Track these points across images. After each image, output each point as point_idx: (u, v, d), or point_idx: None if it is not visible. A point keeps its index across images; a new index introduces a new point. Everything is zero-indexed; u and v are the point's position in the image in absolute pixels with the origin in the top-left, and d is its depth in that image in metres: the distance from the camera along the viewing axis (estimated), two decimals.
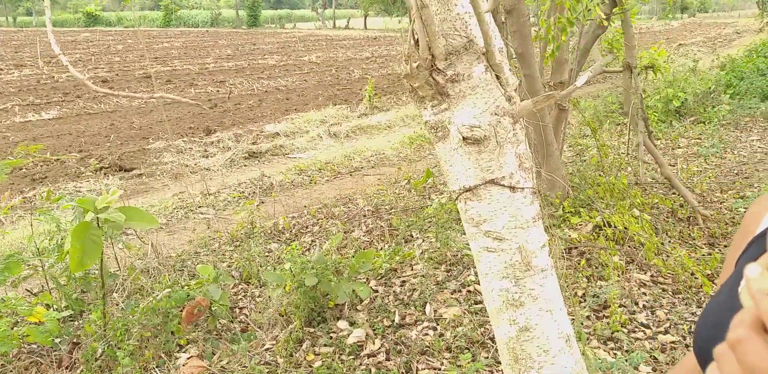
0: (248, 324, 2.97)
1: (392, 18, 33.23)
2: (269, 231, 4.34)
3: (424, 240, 3.73)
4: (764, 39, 12.50)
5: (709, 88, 8.71)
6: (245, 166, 6.88)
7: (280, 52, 21.44)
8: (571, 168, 4.72)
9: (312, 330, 2.82)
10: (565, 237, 3.31)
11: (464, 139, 1.32)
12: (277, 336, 2.81)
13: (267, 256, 3.82)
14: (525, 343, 1.30)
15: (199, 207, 5.19)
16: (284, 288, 2.89)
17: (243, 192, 5.64)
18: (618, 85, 9.68)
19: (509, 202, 1.34)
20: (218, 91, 12.67)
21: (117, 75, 15.14)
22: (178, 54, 21.05)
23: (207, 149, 7.46)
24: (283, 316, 2.93)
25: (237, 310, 3.17)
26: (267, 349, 2.73)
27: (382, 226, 4.16)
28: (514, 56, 3.60)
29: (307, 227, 4.49)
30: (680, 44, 21.27)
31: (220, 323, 2.94)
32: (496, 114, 1.32)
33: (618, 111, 7.63)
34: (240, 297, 3.37)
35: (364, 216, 4.54)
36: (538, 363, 1.29)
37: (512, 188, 1.34)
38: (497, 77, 1.34)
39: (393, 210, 4.55)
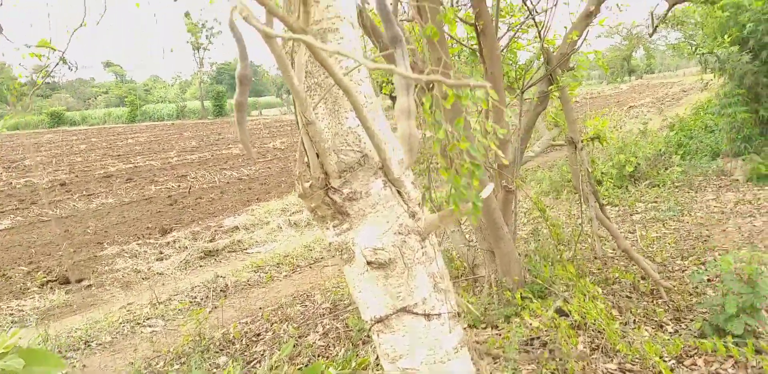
0: None
1: None
2: (218, 343, 4.04)
3: None
4: (709, 96, 13.05)
5: (660, 150, 8.93)
6: (201, 266, 6.60)
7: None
8: (527, 246, 4.61)
9: None
10: (526, 327, 3.12)
11: (369, 263, 1.19)
12: None
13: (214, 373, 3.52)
14: None
15: (148, 318, 4.87)
16: None
17: (195, 297, 5.35)
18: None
19: (425, 333, 1.18)
20: (179, 186, 12.53)
21: (77, 176, 14.95)
22: (141, 149, 21.08)
23: (162, 251, 7.18)
24: None
25: None
26: None
27: (338, 327, 3.91)
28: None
29: (259, 334, 4.20)
30: (630, 106, 22.23)
31: None
32: (400, 233, 1.19)
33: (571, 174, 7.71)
34: None
35: (321, 315, 4.29)
36: None
37: (427, 316, 1.19)
38: (398, 192, 1.23)
39: (351, 306, 4.32)
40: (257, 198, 10.48)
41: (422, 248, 1.21)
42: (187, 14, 43.66)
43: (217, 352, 3.89)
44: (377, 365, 3.13)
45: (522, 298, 3.36)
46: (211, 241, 7.47)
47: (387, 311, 1.17)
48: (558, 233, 4.09)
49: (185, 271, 6.43)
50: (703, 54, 9.04)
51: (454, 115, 2.63)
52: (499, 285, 3.49)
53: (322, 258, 6.45)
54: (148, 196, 11.43)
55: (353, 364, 3.21)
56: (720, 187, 7.28)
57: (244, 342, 4.07)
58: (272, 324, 4.39)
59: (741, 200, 6.44)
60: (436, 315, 1.19)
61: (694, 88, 25.47)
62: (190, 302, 5.22)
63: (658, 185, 7.61)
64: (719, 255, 4.70)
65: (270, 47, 0.96)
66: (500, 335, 3.24)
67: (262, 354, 3.81)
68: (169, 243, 7.48)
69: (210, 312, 4.90)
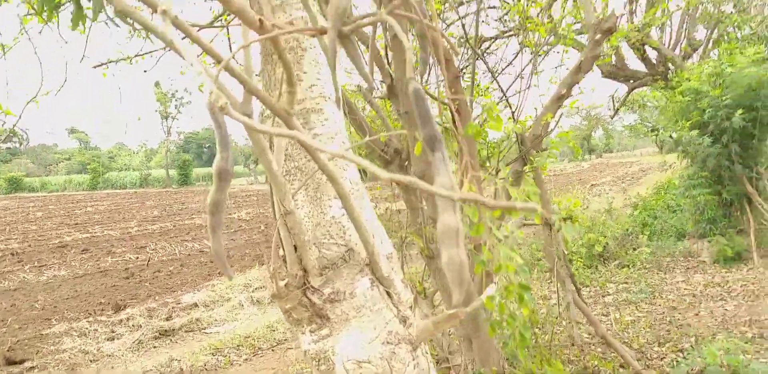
0: None
1: None
2: None
3: None
4: (669, 176, 13.44)
5: (627, 229, 9.00)
6: (155, 347, 6.15)
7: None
8: (503, 332, 4.41)
9: None
10: None
11: None
12: None
13: None
14: None
15: None
16: None
17: None
18: (538, 232, 9.89)
19: None
20: (137, 257, 12.04)
21: (29, 246, 14.30)
22: (101, 218, 20.48)
23: (114, 329, 6.71)
24: None
25: None
26: None
27: None
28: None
29: None
30: (593, 184, 22.81)
31: None
32: (389, 342, 1.04)
33: (543, 257, 7.63)
34: None
35: None
36: None
37: None
38: (387, 293, 1.08)
39: None
40: (219, 273, 10.08)
41: (414, 359, 1.05)
42: (157, 84, 44.26)
43: None
44: None
45: None
46: (167, 319, 7.03)
47: None
48: (535, 318, 3.92)
49: (138, 353, 5.97)
50: (658, 135, 9.40)
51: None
52: None
53: (285, 339, 6.09)
54: (103, 269, 10.91)
55: None
56: (688, 268, 7.28)
57: None
58: None
59: (710, 282, 6.42)
60: None
61: (653, 168, 26.47)
62: None
63: (628, 265, 7.58)
64: (695, 341, 4.59)
65: (247, 131, 0.85)
66: None
67: None
68: (122, 320, 7.01)
69: None
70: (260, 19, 0.62)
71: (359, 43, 3.12)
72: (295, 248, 1.02)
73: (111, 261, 11.66)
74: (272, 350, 5.75)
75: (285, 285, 1.02)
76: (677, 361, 4.09)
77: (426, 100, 0.44)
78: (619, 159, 46.26)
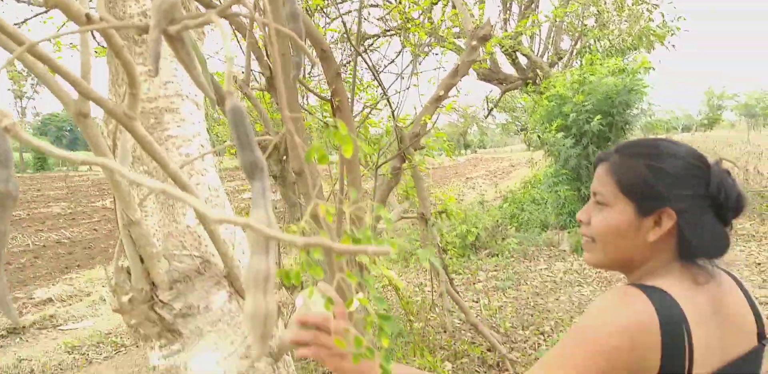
0: None
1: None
2: None
3: None
4: (536, 172, 14.40)
5: (497, 221, 9.51)
6: (1, 347, 5.58)
7: (69, 198, 19.63)
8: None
9: None
10: None
11: None
12: None
13: None
14: None
15: None
16: None
17: None
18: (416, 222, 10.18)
19: None
20: None
21: None
22: None
23: None
24: None
25: None
26: None
27: None
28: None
29: None
30: (467, 178, 23.86)
31: None
32: (247, 357, 0.98)
33: (421, 247, 7.89)
34: None
35: None
36: None
37: None
38: None
39: None
40: (78, 265, 9.35)
41: (274, 372, 1.00)
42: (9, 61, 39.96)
43: None
44: None
45: None
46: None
47: None
48: (410, 308, 4.03)
49: None
50: (526, 134, 10.03)
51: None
52: None
53: None
54: None
55: None
56: (550, 256, 7.84)
57: None
58: None
59: (569, 270, 6.95)
60: None
61: (521, 163, 28.22)
62: None
63: (497, 254, 8.02)
64: (555, 324, 4.95)
65: (82, 127, 0.75)
66: None
67: None
68: None
69: None
70: (87, 14, 0.54)
71: (236, 32, 2.98)
72: (142, 260, 0.93)
73: None
74: (136, 346, 5.42)
75: (129, 300, 0.93)
76: (539, 344, 4.39)
77: (246, 119, 0.39)
78: (491, 154, 48.83)
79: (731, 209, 0.99)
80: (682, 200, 0.96)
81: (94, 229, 12.90)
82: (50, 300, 7.19)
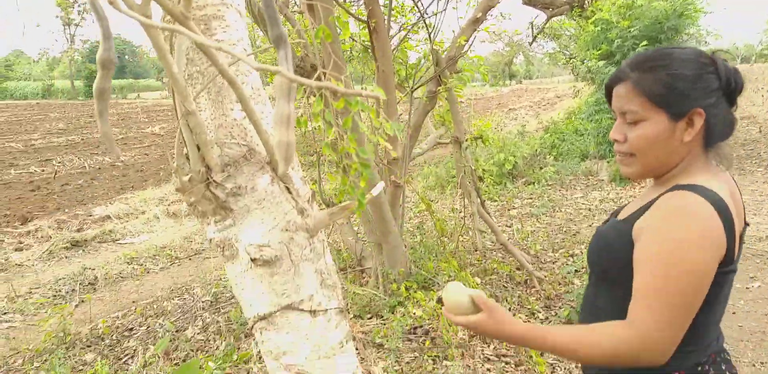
0: None
1: None
2: (85, 339, 3.77)
3: None
4: (579, 102, 14.11)
5: (536, 150, 9.51)
6: (66, 257, 6.11)
7: (121, 124, 20.29)
8: (414, 238, 4.73)
9: None
10: (409, 317, 3.20)
11: (253, 260, 1.14)
12: None
13: (80, 371, 3.27)
14: None
15: (4, 313, 4.43)
16: None
17: (60, 290, 4.94)
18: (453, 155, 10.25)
19: (310, 329, 1.17)
20: (43, 170, 11.50)
21: None
22: (0, 130, 19.09)
23: (22, 240, 6.57)
24: None
25: None
26: None
27: (218, 321, 3.78)
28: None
29: (132, 329, 3.97)
30: (510, 109, 23.43)
31: None
32: (287, 230, 1.16)
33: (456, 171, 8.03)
34: None
35: (201, 309, 4.14)
36: None
37: (313, 312, 1.17)
38: (287, 189, 1.19)
39: (234, 300, 4.20)
40: (132, 187, 9.89)
41: (310, 245, 1.19)
42: None
43: (83, 349, 3.63)
44: (260, 358, 3.07)
45: (406, 289, 3.44)
46: (78, 231, 6.94)
47: (271, 308, 1.15)
48: (442, 227, 4.23)
49: (48, 263, 5.92)
50: (574, 64, 9.75)
51: (344, 114, 2.62)
52: (386, 277, 3.54)
53: (203, 250, 6.21)
54: (6, 181, 10.39)
55: (234, 358, 3.12)
56: (587, 185, 7.89)
57: (114, 337, 3.83)
58: (146, 318, 4.16)
59: (605, 198, 7.02)
60: (322, 311, 1.18)
61: (567, 95, 27.41)
62: (54, 295, 4.82)
63: (534, 183, 8.11)
64: (585, 247, 5.11)
65: (146, 30, 0.89)
66: (385, 325, 3.29)
67: (135, 350, 3.60)
68: (30, 232, 6.85)
69: (76, 306, 4.56)
70: None
71: None
72: (198, 147, 1.10)
73: (14, 174, 11.10)
74: (189, 259, 5.87)
75: (189, 180, 1.11)
76: (567, 264, 4.58)
77: (274, 2, 0.52)
78: (537, 85, 47.29)
79: (739, 91, 1.11)
80: (705, 96, 1.08)
81: (145, 154, 13.45)
82: (108, 217, 7.72)
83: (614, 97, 1.17)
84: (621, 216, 1.21)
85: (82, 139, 15.97)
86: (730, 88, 1.10)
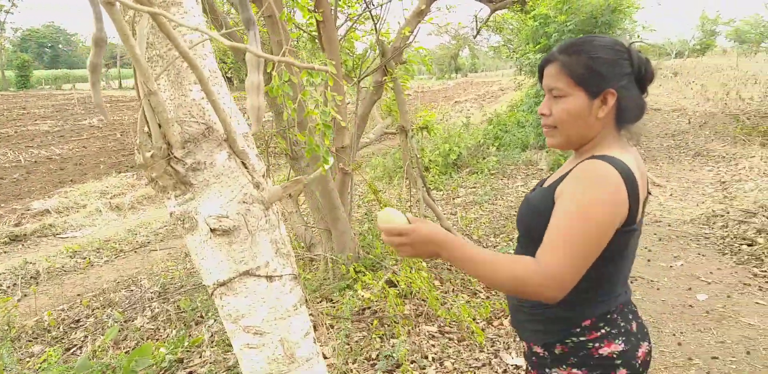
0: None
1: None
2: (31, 332, 3.72)
3: (216, 320, 3.48)
4: (521, 95, 14.51)
5: (479, 141, 9.79)
6: (5, 252, 5.94)
7: (56, 116, 19.52)
8: (362, 226, 4.85)
9: None
10: (358, 299, 3.33)
11: (213, 230, 1.23)
12: None
13: (28, 362, 3.24)
14: None
15: None
16: None
17: (0, 285, 4.82)
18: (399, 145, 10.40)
19: (267, 293, 1.27)
20: None
21: None
22: None
23: None
24: None
25: None
26: None
27: (168, 310, 3.80)
28: (293, 126, 3.63)
29: (79, 320, 3.94)
30: (456, 101, 23.80)
31: None
32: (244, 202, 1.26)
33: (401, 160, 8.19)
34: None
35: (150, 299, 4.14)
36: None
37: (269, 277, 1.27)
38: (243, 164, 1.29)
39: (183, 289, 4.22)
40: (71, 180, 9.61)
41: (266, 216, 1.29)
42: None
43: (30, 341, 3.59)
44: (211, 342, 3.14)
45: (356, 272, 3.56)
46: (17, 226, 6.73)
47: (230, 275, 1.24)
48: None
49: None
50: (518, 58, 10.06)
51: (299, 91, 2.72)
52: (335, 262, 3.65)
53: (148, 242, 6.15)
54: None
55: (186, 344, 3.17)
56: (527, 175, 8.20)
57: (61, 329, 3.80)
58: (93, 310, 4.13)
59: None
60: (277, 276, 1.28)
61: (511, 88, 28.08)
62: None
63: (477, 172, 8.36)
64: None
65: (109, 13, 0.97)
66: (335, 307, 3.41)
67: (83, 341, 3.59)
68: None
69: (19, 300, 4.47)
70: None
71: None
72: (159, 125, 1.18)
73: None
74: (135, 252, 5.81)
75: (151, 156, 1.19)
76: (507, 249, 4.80)
77: None
78: (482, 78, 48.07)
79: (648, 79, 1.28)
80: (618, 79, 1.24)
81: (84, 147, 13.03)
82: (47, 211, 7.51)
83: (545, 76, 1.32)
84: (546, 184, 1.37)
85: (16, 132, 15.31)
86: (641, 74, 1.27)
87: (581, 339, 1.27)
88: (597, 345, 1.27)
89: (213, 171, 1.24)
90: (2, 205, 7.85)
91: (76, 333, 3.73)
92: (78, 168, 10.71)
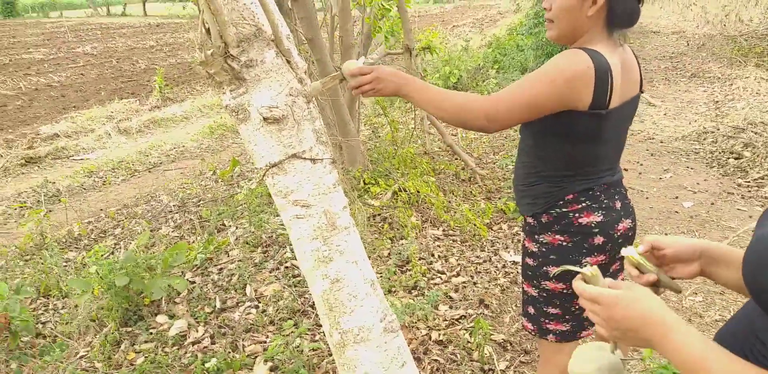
0: (56, 336, 2.78)
1: (175, 3, 31.19)
2: (64, 241, 4.03)
3: (237, 227, 3.78)
4: (521, 18, 14.26)
5: (479, 64, 9.81)
6: (23, 173, 6.18)
7: (48, 44, 19.08)
8: (369, 145, 5.07)
9: (129, 329, 2.74)
10: (369, 205, 3.61)
11: (265, 119, 1.44)
12: (90, 342, 2.69)
13: (65, 266, 3.56)
14: (337, 293, 1.49)
15: None
16: (92, 292, 2.76)
17: (25, 202, 5.10)
18: (404, 66, 10.40)
19: (311, 173, 1.50)
20: None
21: None
22: None
23: None
24: (95, 321, 2.80)
25: (40, 326, 2.93)
26: (81, 356, 2.60)
27: (191, 220, 4.09)
28: (304, 42, 3.75)
29: (107, 231, 4.25)
30: (454, 26, 23.27)
31: (22, 341, 2.71)
32: (291, 95, 1.46)
33: None
34: (41, 311, 3.12)
35: (170, 212, 4.42)
36: (349, 307, 1.49)
37: (313, 160, 1.50)
38: (288, 62, 1.48)
39: (201, 202, 4.50)
40: (74, 106, 9.67)
41: (308, 108, 1.50)
42: None
43: (62, 249, 3.89)
44: (237, 244, 3.44)
45: (365, 183, 3.82)
46: (29, 148, 6.92)
47: (281, 157, 1.46)
48: (396, 128, 4.55)
49: (5, 179, 5.99)
50: None
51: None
52: (346, 173, 3.90)
53: (160, 163, 6.38)
54: None
55: (211, 248, 3.47)
56: None
57: (92, 237, 4.10)
58: (119, 221, 4.43)
59: None
60: (319, 160, 1.50)
61: (510, 11, 27.34)
62: (20, 206, 4.98)
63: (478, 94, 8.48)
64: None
65: None
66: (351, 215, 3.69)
67: (115, 247, 3.90)
68: None
69: (45, 215, 4.75)
70: None
71: None
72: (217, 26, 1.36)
73: None
74: (149, 171, 6.05)
75: (211, 54, 1.38)
76: (507, 164, 5.05)
77: None
78: (480, 2, 46.49)
79: None
80: None
81: (81, 74, 12.95)
82: (57, 135, 7.67)
83: None
84: None
85: (11, 60, 15.10)
86: None
87: (564, 210, 1.53)
88: (577, 215, 1.52)
89: (263, 67, 1.44)
90: (11, 130, 8.00)
91: (106, 241, 4.04)
92: (79, 94, 10.73)
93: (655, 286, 0.95)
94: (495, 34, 14.07)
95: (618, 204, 1.58)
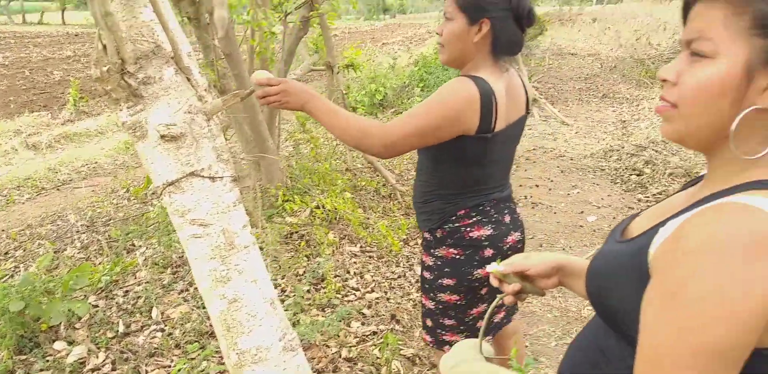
0: None
1: None
2: None
3: (147, 248, 3.65)
4: None
5: (405, 82, 10.01)
6: None
7: None
8: (290, 161, 5.05)
9: (24, 357, 2.58)
10: (284, 223, 3.59)
11: (162, 136, 1.43)
12: None
13: None
14: (235, 313, 1.48)
15: None
16: None
17: None
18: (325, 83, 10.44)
19: (210, 191, 1.49)
20: None
21: None
22: None
23: None
24: None
25: None
26: None
27: (99, 240, 3.93)
28: (222, 57, 3.71)
29: (7, 252, 4.00)
30: (384, 43, 23.64)
31: None
32: (189, 112, 1.46)
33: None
34: None
35: (78, 231, 4.22)
36: (247, 327, 1.48)
37: (212, 178, 1.50)
38: (188, 79, 1.47)
39: (111, 222, 4.33)
40: None
41: (208, 126, 1.49)
42: None
43: None
44: (145, 265, 3.33)
45: (283, 201, 3.80)
46: None
47: (178, 175, 1.45)
48: (316, 144, 4.56)
49: None
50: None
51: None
52: (264, 192, 3.87)
53: (70, 180, 6.09)
54: None
55: (118, 269, 3.33)
56: None
57: None
58: (21, 242, 4.19)
59: None
60: (219, 178, 1.50)
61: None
62: None
63: (402, 113, 8.64)
64: None
65: None
66: (264, 233, 3.66)
67: (14, 270, 3.68)
68: None
69: None
70: None
71: None
72: (115, 42, 1.35)
73: None
74: (57, 189, 5.77)
75: (107, 71, 1.36)
76: None
77: None
78: (411, 21, 47.50)
79: (525, 18, 1.53)
80: (495, 12, 1.49)
81: None
82: None
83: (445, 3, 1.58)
84: None
85: None
86: (518, 12, 1.52)
87: (456, 225, 1.61)
88: (468, 229, 1.60)
89: (162, 84, 1.43)
90: None
91: (5, 264, 3.80)
92: None
93: (521, 293, 1.04)
94: (422, 53, 14.42)
95: (507, 218, 1.67)
